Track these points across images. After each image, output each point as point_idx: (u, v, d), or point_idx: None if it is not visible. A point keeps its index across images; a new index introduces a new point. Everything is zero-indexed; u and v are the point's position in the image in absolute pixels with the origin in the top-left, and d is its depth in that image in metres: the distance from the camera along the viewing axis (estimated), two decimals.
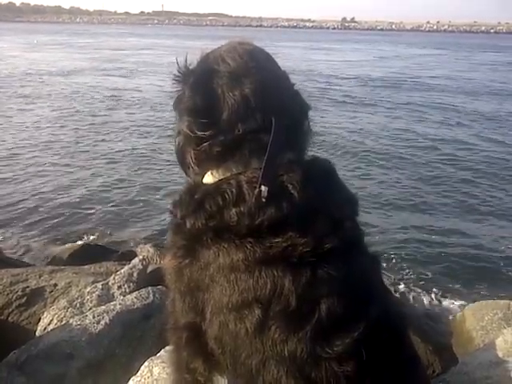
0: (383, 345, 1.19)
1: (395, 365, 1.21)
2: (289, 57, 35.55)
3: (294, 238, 1.18)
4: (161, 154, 11.76)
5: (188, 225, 1.27)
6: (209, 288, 1.24)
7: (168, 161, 10.83)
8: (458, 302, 5.97)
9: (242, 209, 1.21)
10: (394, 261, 7.07)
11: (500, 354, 2.04)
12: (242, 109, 1.28)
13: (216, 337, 1.26)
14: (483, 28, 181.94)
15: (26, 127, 14.21)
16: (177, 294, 1.36)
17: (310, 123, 1.43)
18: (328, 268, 1.18)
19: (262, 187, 1.19)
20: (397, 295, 5.86)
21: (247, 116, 1.28)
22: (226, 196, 1.23)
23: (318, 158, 1.39)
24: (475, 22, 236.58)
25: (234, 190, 1.23)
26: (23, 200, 8.73)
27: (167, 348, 2.29)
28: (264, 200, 1.19)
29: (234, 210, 1.21)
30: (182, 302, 1.34)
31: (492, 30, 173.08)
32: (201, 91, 1.33)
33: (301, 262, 1.18)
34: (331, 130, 14.11)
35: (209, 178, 1.32)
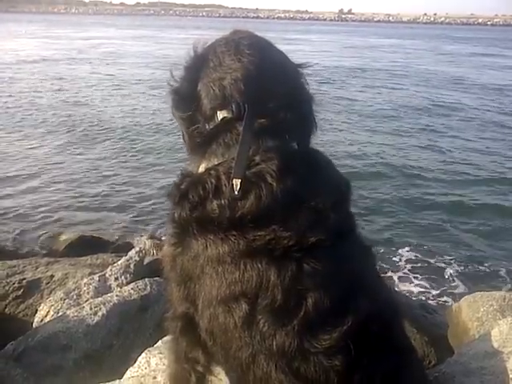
0: (374, 338, 1.19)
1: (387, 357, 1.21)
2: None
3: (278, 232, 1.17)
4: (158, 144, 11.76)
5: (176, 215, 1.29)
6: (200, 279, 1.25)
7: (166, 151, 10.89)
8: (453, 293, 6.01)
9: (222, 201, 1.22)
10: (390, 252, 7.11)
11: (495, 345, 2.05)
12: (220, 99, 1.31)
13: (207, 329, 1.27)
14: (480, 20, 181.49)
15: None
16: (173, 283, 1.37)
17: (313, 111, 1.41)
18: (314, 261, 1.17)
19: (234, 180, 1.20)
20: (392, 286, 5.88)
21: (224, 106, 1.30)
22: (207, 186, 1.24)
23: (303, 146, 1.36)
24: (472, 14, 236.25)
25: (213, 180, 1.24)
26: (19, 192, 8.69)
27: (165, 339, 2.30)
28: (237, 193, 1.20)
29: (215, 202, 1.22)
30: (177, 291, 1.35)
31: (489, 23, 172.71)
32: (189, 78, 1.37)
33: (285, 256, 1.17)
34: None
35: (200, 168, 1.34)
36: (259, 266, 1.17)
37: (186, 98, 1.37)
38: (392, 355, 1.22)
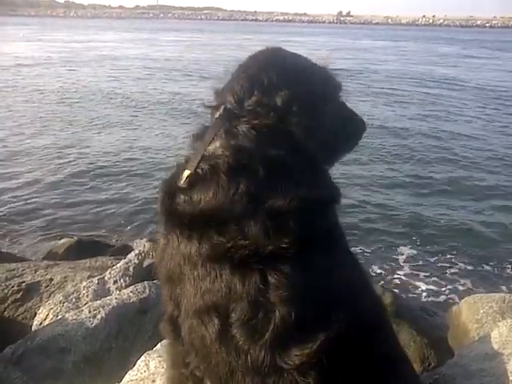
0: (352, 352, 1.14)
1: (367, 371, 1.16)
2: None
3: (236, 240, 1.13)
4: (157, 147, 11.78)
5: (157, 206, 1.31)
6: (180, 282, 1.22)
7: (165, 154, 10.88)
8: (453, 296, 6.01)
9: (185, 197, 1.21)
10: (391, 252, 7.14)
11: (495, 347, 2.06)
12: (219, 101, 1.37)
13: (188, 340, 1.23)
14: (479, 22, 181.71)
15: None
16: (160, 279, 1.35)
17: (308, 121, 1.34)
18: (278, 273, 1.11)
19: (185, 171, 1.22)
20: (393, 289, 5.88)
21: (219, 108, 1.35)
22: (173, 178, 1.27)
23: (286, 152, 1.26)
24: (471, 16, 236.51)
25: (179, 173, 1.27)
26: (18, 195, 8.69)
27: (164, 342, 2.29)
28: (182, 183, 1.21)
29: (181, 196, 1.22)
30: (164, 289, 1.33)
31: (487, 25, 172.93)
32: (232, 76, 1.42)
33: (246, 266, 1.12)
34: None
35: None
36: (224, 274, 1.13)
37: (217, 93, 1.42)
38: (376, 368, 1.18)
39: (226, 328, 1.13)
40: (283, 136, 1.28)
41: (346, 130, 1.47)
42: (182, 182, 1.22)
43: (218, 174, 1.18)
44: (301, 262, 1.14)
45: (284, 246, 1.12)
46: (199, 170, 1.22)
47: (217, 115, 1.34)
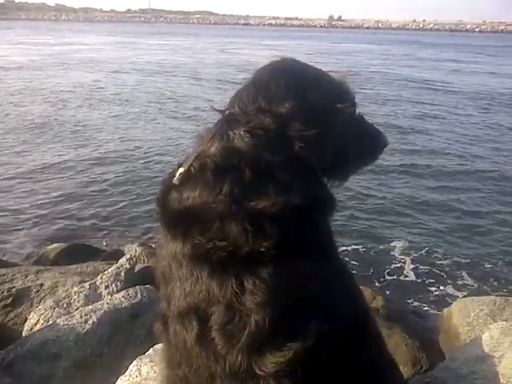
0: (333, 358, 1.12)
1: (352, 377, 1.14)
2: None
3: (216, 241, 1.12)
4: (151, 150, 11.76)
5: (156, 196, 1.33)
6: (171, 282, 1.21)
7: (157, 157, 10.85)
8: (445, 299, 6.03)
9: (177, 194, 1.22)
10: (384, 253, 7.18)
11: (486, 349, 2.07)
12: (227, 107, 1.39)
13: (173, 343, 1.23)
14: (468, 27, 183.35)
15: None
16: (159, 280, 1.32)
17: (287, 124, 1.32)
18: (254, 276, 1.10)
19: (180, 169, 1.24)
20: (385, 292, 5.90)
21: (225, 111, 1.38)
22: (170, 176, 1.29)
23: (279, 157, 1.25)
24: (460, 20, 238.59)
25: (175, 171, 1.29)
26: (8, 200, 8.63)
27: (156, 347, 2.29)
28: (175, 180, 1.23)
29: (174, 194, 1.23)
30: (161, 289, 1.31)
31: (477, 29, 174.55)
32: None
33: (223, 268, 1.11)
34: None
35: None
36: (204, 276, 1.12)
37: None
38: (362, 374, 1.16)
39: (206, 332, 1.12)
40: (279, 142, 1.26)
41: (360, 144, 1.45)
42: (175, 179, 1.23)
43: (205, 172, 1.19)
44: (279, 266, 1.12)
45: (262, 249, 1.11)
46: (191, 168, 1.23)
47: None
